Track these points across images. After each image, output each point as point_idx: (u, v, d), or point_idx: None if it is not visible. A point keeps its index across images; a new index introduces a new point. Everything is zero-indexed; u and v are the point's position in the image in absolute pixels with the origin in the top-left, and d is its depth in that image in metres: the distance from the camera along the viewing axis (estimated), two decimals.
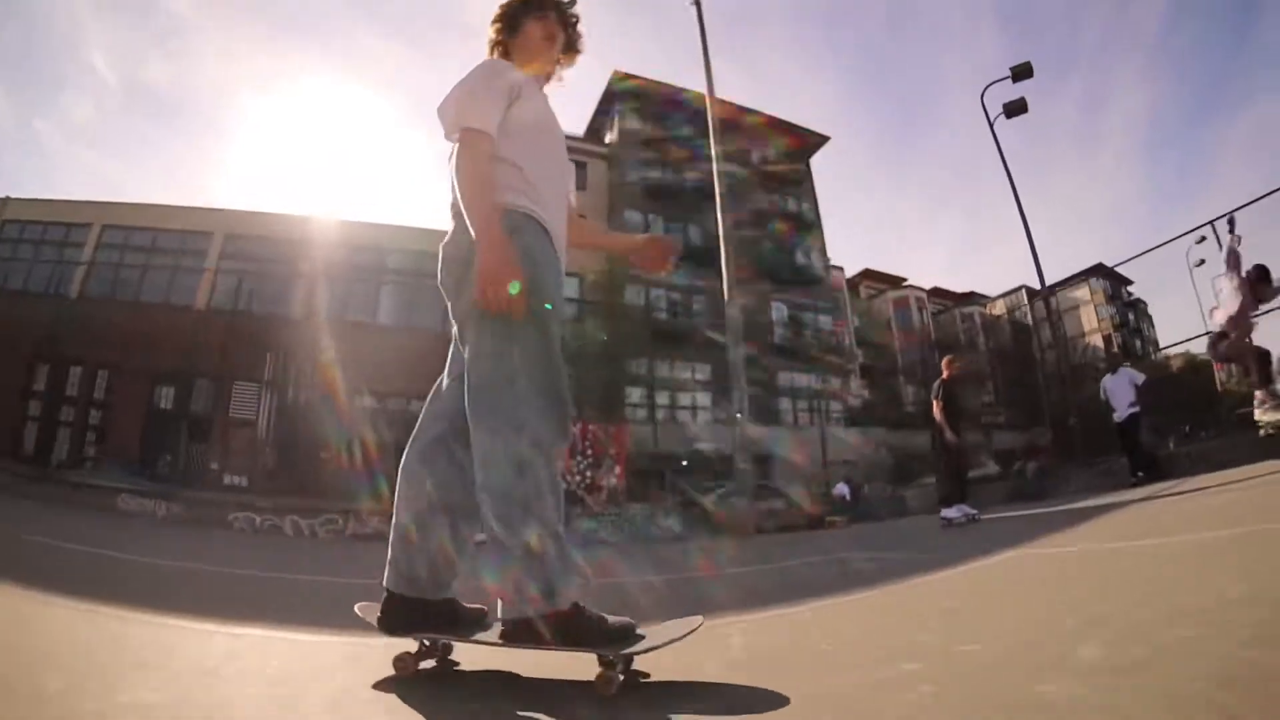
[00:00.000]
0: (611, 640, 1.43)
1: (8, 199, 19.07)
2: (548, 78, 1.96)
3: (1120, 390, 9.66)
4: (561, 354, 1.62)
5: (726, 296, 12.86)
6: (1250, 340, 6.82)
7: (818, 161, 33.27)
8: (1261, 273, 6.59)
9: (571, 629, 1.43)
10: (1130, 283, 39.72)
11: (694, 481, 18.11)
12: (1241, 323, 6.53)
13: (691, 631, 1.52)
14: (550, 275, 1.61)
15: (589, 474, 17.33)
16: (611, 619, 1.48)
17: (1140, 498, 6.16)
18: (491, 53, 1.89)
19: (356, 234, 19.74)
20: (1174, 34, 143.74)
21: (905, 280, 38.38)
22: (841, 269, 32.87)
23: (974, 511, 7.39)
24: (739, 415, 12.40)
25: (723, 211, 13.83)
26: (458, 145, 1.62)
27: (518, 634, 1.46)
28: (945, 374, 8.09)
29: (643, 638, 1.46)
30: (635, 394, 22.31)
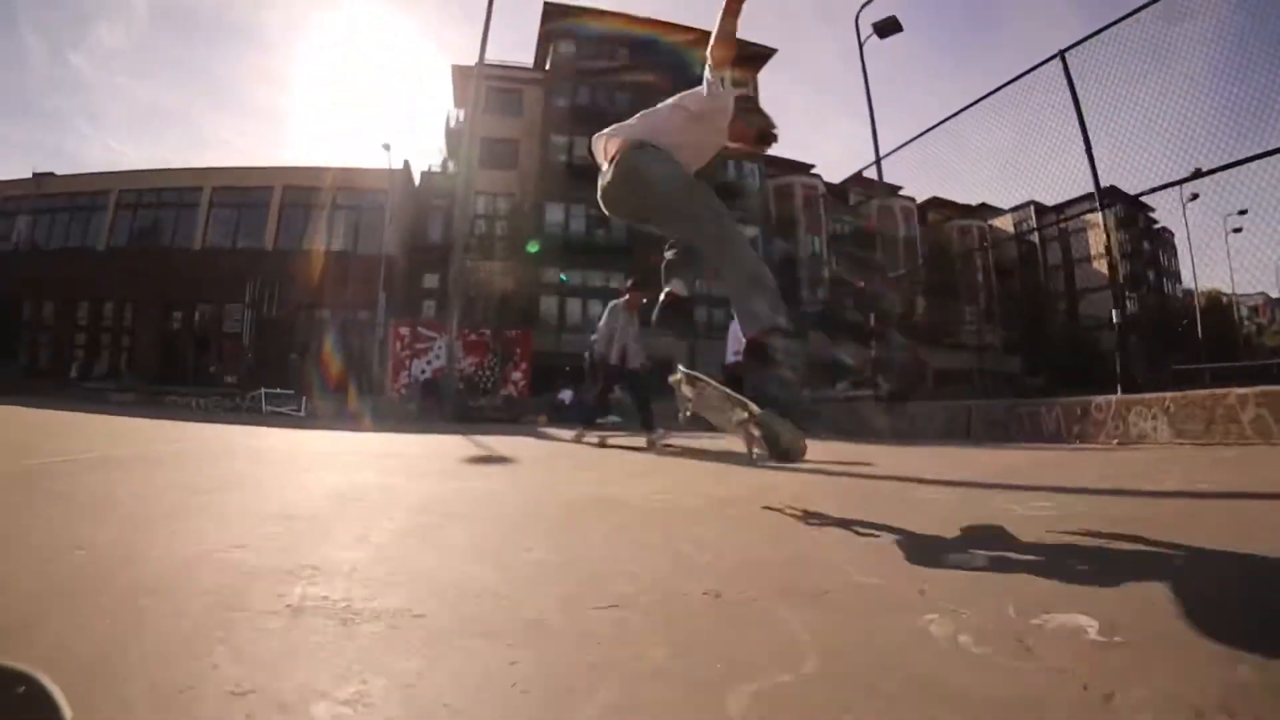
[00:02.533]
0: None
1: (49, 174, 25.33)
2: None
3: (731, 338, 9.69)
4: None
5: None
6: None
7: (766, 75, 35.15)
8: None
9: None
10: (1152, 210, 39.10)
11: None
12: None
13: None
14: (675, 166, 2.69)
15: (498, 370, 22.20)
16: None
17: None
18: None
19: (311, 176, 24.76)
20: None
21: (900, 188, 39.25)
22: (819, 177, 34.98)
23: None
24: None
25: None
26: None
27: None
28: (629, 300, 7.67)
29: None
30: (550, 302, 26.87)
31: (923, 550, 1.65)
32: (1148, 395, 6.01)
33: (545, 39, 30.70)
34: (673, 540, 1.85)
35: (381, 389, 20.47)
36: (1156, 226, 41.23)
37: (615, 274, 26.93)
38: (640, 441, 6.90)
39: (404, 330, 22.14)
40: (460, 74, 28.37)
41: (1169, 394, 5.81)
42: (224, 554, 1.50)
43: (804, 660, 0.91)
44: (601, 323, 7.58)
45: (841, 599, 1.23)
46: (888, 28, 15.39)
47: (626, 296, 7.45)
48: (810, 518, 2.18)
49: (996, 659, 0.91)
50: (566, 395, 20.93)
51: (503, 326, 23.18)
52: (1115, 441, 5.83)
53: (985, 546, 1.69)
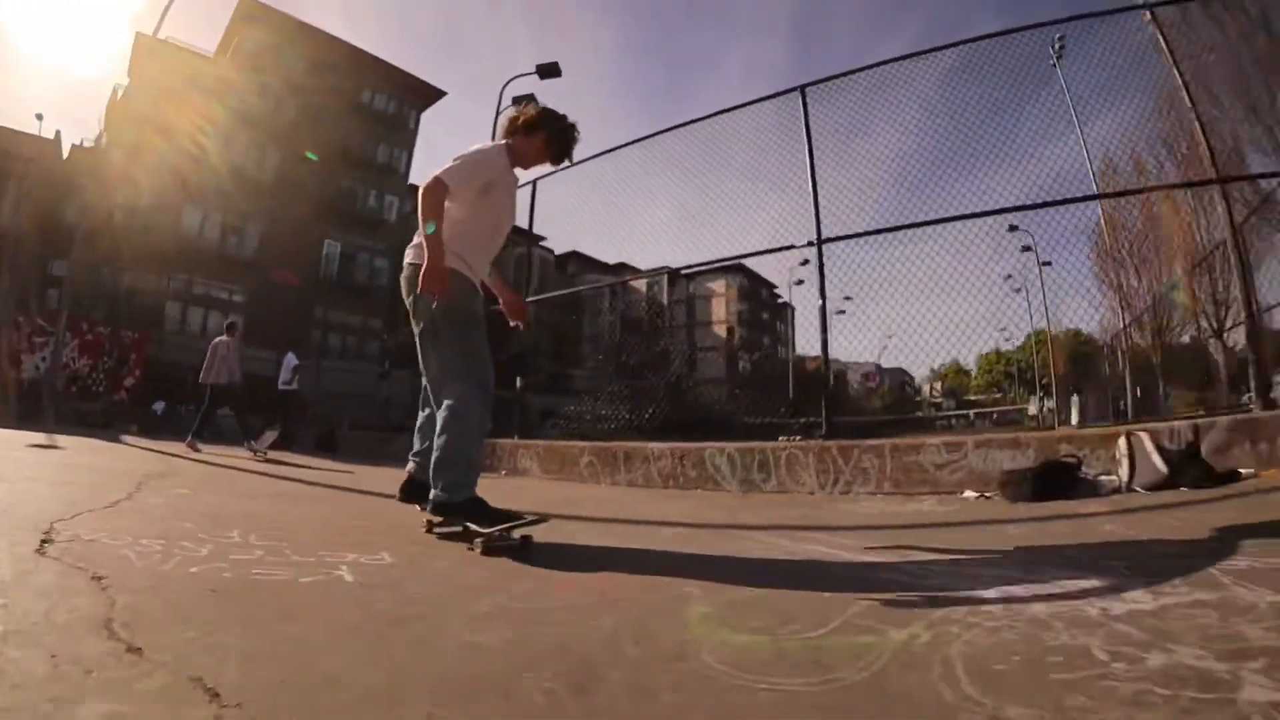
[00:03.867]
0: (493, 519, 2.64)
1: None
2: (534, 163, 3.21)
3: (284, 367, 12.57)
4: (480, 338, 2.87)
5: None
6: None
7: (431, 115, 39.02)
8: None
9: (472, 511, 2.68)
10: (774, 286, 45.20)
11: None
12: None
13: (536, 520, 2.78)
14: (467, 297, 2.85)
15: (111, 372, 23.19)
16: (496, 507, 2.71)
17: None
18: (506, 134, 3.12)
19: None
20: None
21: (543, 239, 41.48)
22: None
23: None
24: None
25: None
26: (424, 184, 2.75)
27: (439, 510, 2.75)
28: (229, 337, 9.59)
29: (518, 516, 2.69)
30: (175, 308, 28.25)
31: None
32: (529, 441, 8.00)
33: (233, 31, 31.49)
34: (92, 473, 4.88)
35: None
36: (780, 301, 49.27)
37: (239, 290, 29.09)
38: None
39: (21, 320, 21.92)
40: (142, 45, 27.57)
41: (540, 442, 7.89)
42: None
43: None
44: (217, 356, 9.38)
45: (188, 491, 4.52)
46: (522, 101, 18.85)
47: (226, 334, 9.67)
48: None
49: None
50: (159, 406, 22.68)
51: (123, 327, 23.97)
52: (504, 473, 7.58)
53: None
